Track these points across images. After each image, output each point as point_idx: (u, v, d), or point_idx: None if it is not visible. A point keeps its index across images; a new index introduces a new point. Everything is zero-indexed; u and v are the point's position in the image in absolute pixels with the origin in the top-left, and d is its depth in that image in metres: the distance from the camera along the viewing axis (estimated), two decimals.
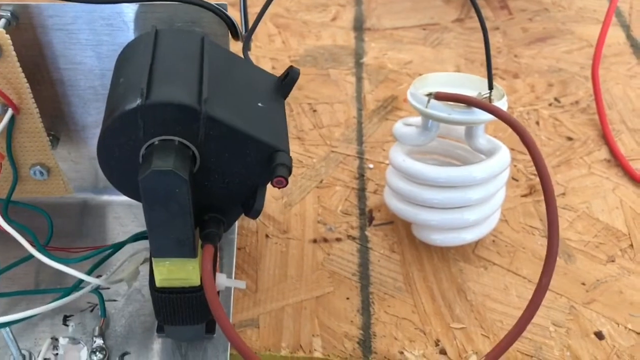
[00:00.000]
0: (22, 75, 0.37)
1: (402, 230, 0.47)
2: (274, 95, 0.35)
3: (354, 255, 0.46)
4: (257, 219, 0.47)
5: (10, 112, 0.38)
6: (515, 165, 0.52)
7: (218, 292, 0.34)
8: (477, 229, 0.44)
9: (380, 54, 0.64)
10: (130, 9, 0.37)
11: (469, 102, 0.40)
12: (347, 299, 0.43)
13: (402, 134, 0.44)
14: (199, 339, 0.39)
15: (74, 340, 0.39)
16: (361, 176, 0.51)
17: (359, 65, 0.62)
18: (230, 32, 0.38)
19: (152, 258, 0.33)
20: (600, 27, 0.61)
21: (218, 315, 0.32)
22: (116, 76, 0.34)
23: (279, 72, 0.36)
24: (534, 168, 0.50)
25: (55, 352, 0.38)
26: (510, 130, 0.37)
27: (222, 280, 0.35)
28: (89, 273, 0.37)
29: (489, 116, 0.40)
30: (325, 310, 0.42)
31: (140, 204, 0.30)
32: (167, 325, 0.37)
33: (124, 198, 0.34)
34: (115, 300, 0.41)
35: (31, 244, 0.37)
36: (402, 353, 0.40)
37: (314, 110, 0.57)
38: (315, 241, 0.46)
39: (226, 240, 0.44)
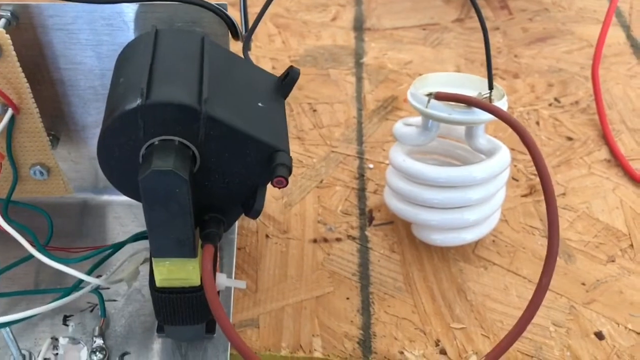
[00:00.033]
0: (22, 75, 0.37)
1: (402, 230, 0.47)
2: (274, 95, 0.35)
3: (354, 255, 0.46)
4: (257, 219, 0.47)
5: (10, 112, 0.38)
6: (515, 165, 0.52)
7: (218, 292, 0.34)
8: (477, 229, 0.44)
9: (380, 54, 0.64)
10: (130, 9, 0.37)
11: (469, 102, 0.40)
12: (347, 299, 0.43)
13: (402, 134, 0.44)
14: (199, 339, 0.39)
15: (74, 340, 0.39)
16: (361, 176, 0.51)
17: (359, 65, 0.62)
18: (231, 32, 0.38)
19: (152, 258, 0.33)
20: (600, 27, 0.61)
21: (218, 315, 0.32)
22: (116, 76, 0.34)
23: (279, 72, 0.36)
24: (534, 168, 0.50)
25: (55, 352, 0.38)
26: (510, 130, 0.37)
27: (222, 280, 0.35)
28: (89, 273, 0.37)
29: (489, 116, 0.40)
30: (325, 310, 0.42)
31: (140, 204, 0.30)
32: (167, 325, 0.37)
33: (124, 198, 0.34)
34: (115, 300, 0.41)
35: (31, 244, 0.37)
36: (402, 353, 0.40)
37: (314, 110, 0.57)
38: (315, 241, 0.46)
39: (226, 240, 0.44)
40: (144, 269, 0.40)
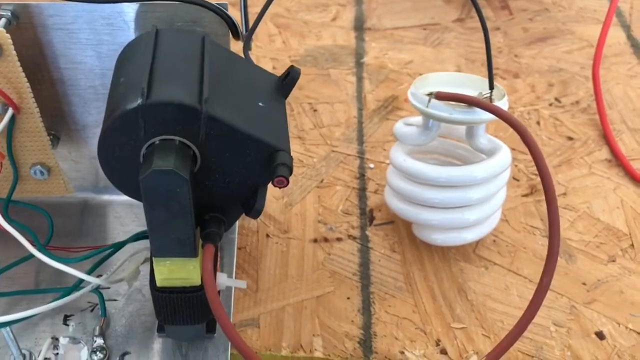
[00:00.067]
0: (23, 74, 0.37)
1: (402, 230, 0.47)
2: (274, 95, 0.35)
3: (354, 255, 0.46)
4: (258, 218, 0.47)
5: (10, 111, 0.38)
6: (516, 165, 0.52)
7: (219, 292, 0.34)
8: (477, 228, 0.44)
9: (380, 53, 0.64)
10: (130, 9, 0.37)
11: (470, 102, 0.40)
12: (348, 298, 0.43)
13: (403, 133, 0.44)
14: (200, 339, 0.39)
15: (74, 340, 0.39)
16: (362, 176, 0.51)
17: (359, 65, 0.62)
18: (231, 32, 0.38)
19: (153, 258, 0.33)
20: (600, 27, 0.61)
21: (219, 314, 0.32)
22: (117, 76, 0.34)
23: (279, 72, 0.36)
24: (534, 168, 0.50)
25: (56, 351, 0.38)
26: (511, 130, 0.37)
27: (222, 279, 0.35)
28: (89, 273, 0.37)
29: (489, 116, 0.40)
30: (325, 310, 0.42)
31: (140, 204, 0.30)
32: (168, 325, 0.37)
33: (124, 197, 0.34)
34: (115, 300, 0.41)
35: (31, 244, 0.37)
36: (402, 353, 0.40)
37: (315, 110, 0.57)
38: (315, 241, 0.46)
39: (227, 240, 0.44)
40: (145, 269, 0.40)
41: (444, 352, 0.40)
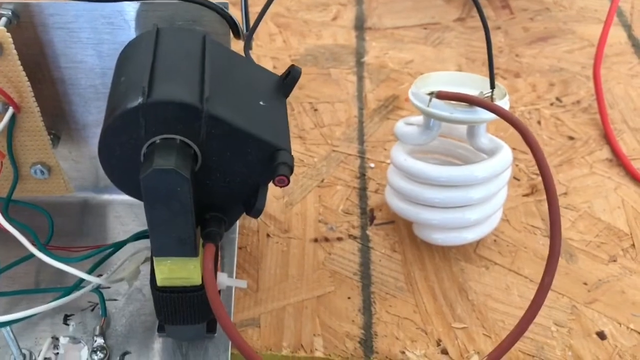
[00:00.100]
0: (23, 73, 0.37)
1: (403, 230, 0.47)
2: (275, 94, 0.35)
3: (355, 255, 0.46)
4: (258, 218, 0.47)
5: (11, 110, 0.38)
6: (516, 165, 0.52)
7: (219, 292, 0.34)
8: (478, 228, 0.44)
9: (381, 53, 0.64)
10: (131, 8, 0.37)
11: (471, 101, 0.40)
12: (349, 298, 0.43)
13: (404, 133, 0.44)
14: (200, 339, 0.39)
15: (74, 340, 0.38)
16: (362, 175, 0.51)
17: (360, 64, 0.62)
18: (232, 31, 0.38)
19: (153, 257, 0.33)
20: (601, 26, 0.61)
21: (219, 314, 0.32)
22: (117, 75, 0.33)
23: (280, 71, 0.36)
24: (535, 167, 0.50)
25: (56, 351, 0.38)
26: (511, 129, 0.37)
27: (223, 279, 0.35)
28: (89, 272, 0.37)
29: (491, 115, 0.40)
30: (326, 310, 0.42)
31: (141, 203, 0.30)
32: (168, 325, 0.37)
33: (124, 197, 0.34)
34: (116, 300, 0.41)
35: (32, 243, 0.37)
36: (403, 353, 0.40)
37: (315, 110, 0.57)
38: (316, 240, 0.46)
39: (227, 240, 0.44)
40: (145, 268, 0.40)
41: (444, 352, 0.40)
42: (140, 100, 0.29)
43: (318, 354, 0.40)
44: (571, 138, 0.55)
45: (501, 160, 0.42)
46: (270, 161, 0.32)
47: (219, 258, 0.39)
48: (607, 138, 0.55)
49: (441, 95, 0.40)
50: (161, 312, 0.35)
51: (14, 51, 0.36)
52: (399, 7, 0.70)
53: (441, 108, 0.40)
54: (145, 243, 0.39)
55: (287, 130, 0.33)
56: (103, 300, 0.40)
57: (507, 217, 0.48)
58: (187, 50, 0.33)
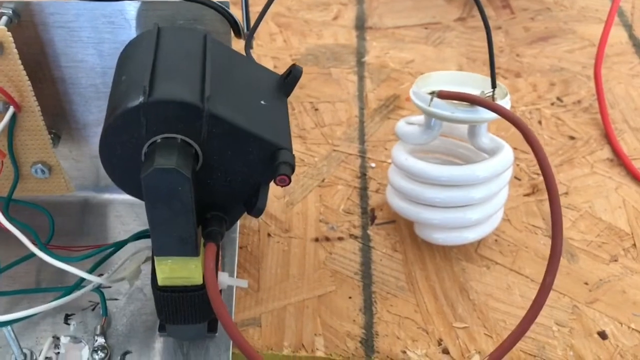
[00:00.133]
0: (24, 73, 0.37)
1: (404, 229, 0.47)
2: (276, 93, 0.35)
3: (356, 254, 0.46)
4: (259, 217, 0.47)
5: (11, 110, 0.38)
6: (517, 165, 0.52)
7: (220, 291, 0.34)
8: (479, 228, 0.44)
9: (382, 52, 0.64)
10: (132, 7, 0.37)
11: (472, 101, 0.40)
12: (350, 298, 0.43)
13: (405, 132, 0.44)
14: (201, 338, 0.39)
15: (75, 339, 0.38)
16: (363, 175, 0.51)
17: (360, 64, 0.62)
18: (233, 30, 0.38)
19: (154, 257, 0.33)
20: (602, 26, 0.61)
21: (220, 313, 0.32)
22: (118, 74, 0.33)
23: (280, 71, 0.36)
24: (536, 167, 0.50)
25: (57, 351, 0.38)
26: (512, 129, 0.37)
27: (224, 279, 0.35)
28: (90, 272, 0.37)
29: (492, 115, 0.40)
30: (327, 310, 0.42)
31: (141, 202, 0.30)
32: (169, 324, 0.36)
33: (125, 196, 0.34)
34: (116, 299, 0.41)
35: (32, 243, 0.37)
36: (404, 352, 0.40)
37: (316, 109, 0.57)
38: (317, 240, 0.46)
39: (228, 239, 0.44)
40: (146, 268, 0.40)
41: (446, 351, 0.40)
42: (141, 99, 0.29)
43: (319, 353, 0.40)
44: (572, 138, 0.55)
45: (502, 159, 0.42)
46: (271, 160, 0.32)
47: (220, 257, 0.39)
48: (608, 138, 0.55)
49: (442, 95, 0.40)
50: (162, 312, 0.35)
51: (15, 50, 0.36)
52: (400, 7, 0.70)
53: (442, 107, 0.40)
54: (146, 242, 0.39)
55: (288, 130, 0.33)
56: (104, 299, 0.40)
57: (508, 217, 0.48)
58: (188, 50, 0.33)
